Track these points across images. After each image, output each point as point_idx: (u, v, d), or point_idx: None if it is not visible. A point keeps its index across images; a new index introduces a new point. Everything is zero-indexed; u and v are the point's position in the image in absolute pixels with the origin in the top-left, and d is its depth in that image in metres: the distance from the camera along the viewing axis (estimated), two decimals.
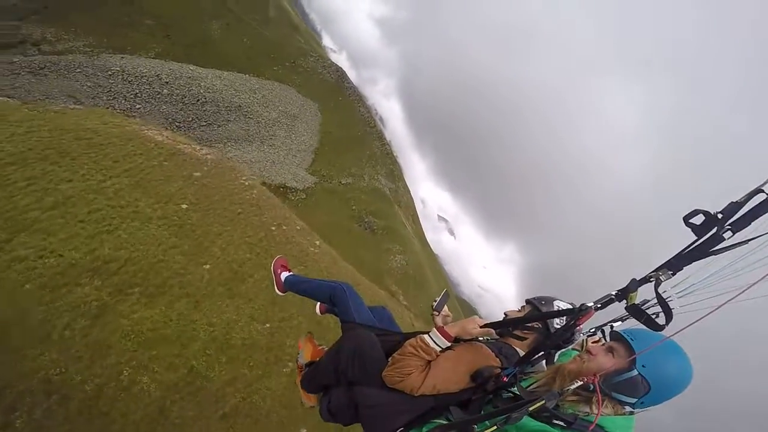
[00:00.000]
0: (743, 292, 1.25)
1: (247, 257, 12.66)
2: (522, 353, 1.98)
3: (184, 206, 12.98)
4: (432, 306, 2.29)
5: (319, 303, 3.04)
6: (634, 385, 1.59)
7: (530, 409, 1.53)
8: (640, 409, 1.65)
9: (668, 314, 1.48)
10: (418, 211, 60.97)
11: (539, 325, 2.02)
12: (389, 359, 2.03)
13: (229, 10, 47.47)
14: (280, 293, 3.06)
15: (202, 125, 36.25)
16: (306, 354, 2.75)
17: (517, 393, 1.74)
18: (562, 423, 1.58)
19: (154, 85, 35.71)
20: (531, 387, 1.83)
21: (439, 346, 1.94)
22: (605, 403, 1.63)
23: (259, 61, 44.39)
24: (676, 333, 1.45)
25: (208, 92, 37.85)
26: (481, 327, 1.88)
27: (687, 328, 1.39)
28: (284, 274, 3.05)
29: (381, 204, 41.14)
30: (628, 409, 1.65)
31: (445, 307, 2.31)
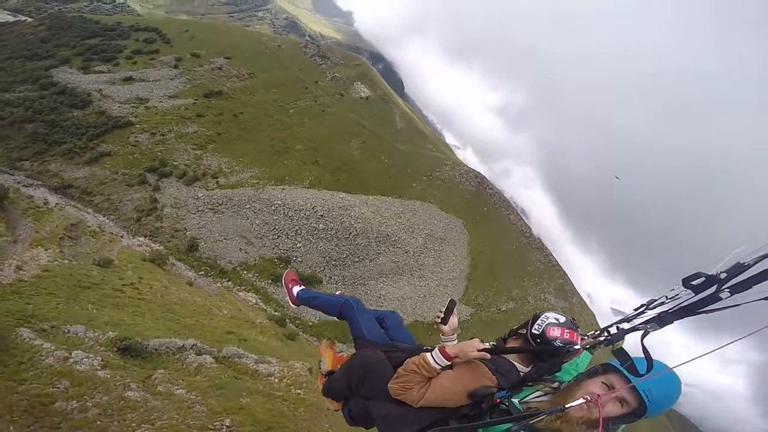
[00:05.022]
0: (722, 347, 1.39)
1: None
2: (521, 368, 2.11)
3: None
4: (437, 316, 2.40)
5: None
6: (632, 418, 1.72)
7: (531, 422, 1.69)
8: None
9: (650, 363, 1.61)
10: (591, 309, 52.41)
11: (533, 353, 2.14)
12: (395, 373, 2.20)
13: (363, 127, 48.58)
14: (293, 306, 3.27)
15: (356, 261, 34.71)
16: (327, 362, 2.88)
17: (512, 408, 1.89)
18: None
19: (311, 220, 35.39)
20: (529, 397, 1.95)
21: (439, 365, 2.05)
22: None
23: (399, 180, 43.57)
24: (652, 375, 1.63)
25: (358, 222, 36.81)
26: (479, 350, 1.98)
27: (673, 368, 1.64)
28: (296, 289, 3.22)
29: None
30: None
31: (454, 317, 2.41)
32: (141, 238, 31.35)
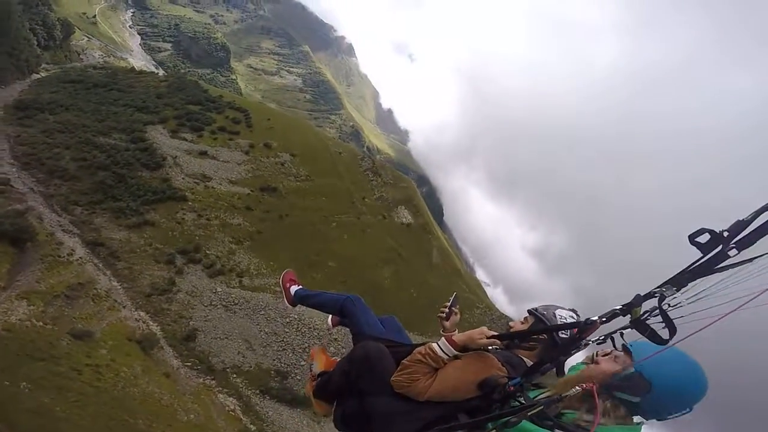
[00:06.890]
0: (738, 309, 1.34)
1: None
2: (529, 363, 2.01)
3: None
4: (441, 311, 2.33)
5: (330, 315, 3.08)
6: (632, 381, 1.61)
7: (529, 413, 1.60)
8: (650, 420, 1.65)
9: (672, 328, 1.51)
10: None
11: (545, 337, 2.06)
12: (399, 366, 2.10)
13: (399, 255, 48.08)
14: (289, 306, 3.08)
15: None
16: (319, 364, 2.76)
17: (524, 402, 1.79)
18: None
19: (323, 340, 32.56)
20: (537, 397, 1.86)
21: (447, 355, 1.97)
22: (608, 409, 1.63)
23: (424, 314, 40.63)
24: (676, 342, 1.50)
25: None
26: (488, 338, 1.91)
27: (687, 337, 1.48)
28: (293, 288, 3.08)
29: None
30: (635, 419, 1.65)
31: (456, 312, 2.36)
32: (142, 313, 29.45)
